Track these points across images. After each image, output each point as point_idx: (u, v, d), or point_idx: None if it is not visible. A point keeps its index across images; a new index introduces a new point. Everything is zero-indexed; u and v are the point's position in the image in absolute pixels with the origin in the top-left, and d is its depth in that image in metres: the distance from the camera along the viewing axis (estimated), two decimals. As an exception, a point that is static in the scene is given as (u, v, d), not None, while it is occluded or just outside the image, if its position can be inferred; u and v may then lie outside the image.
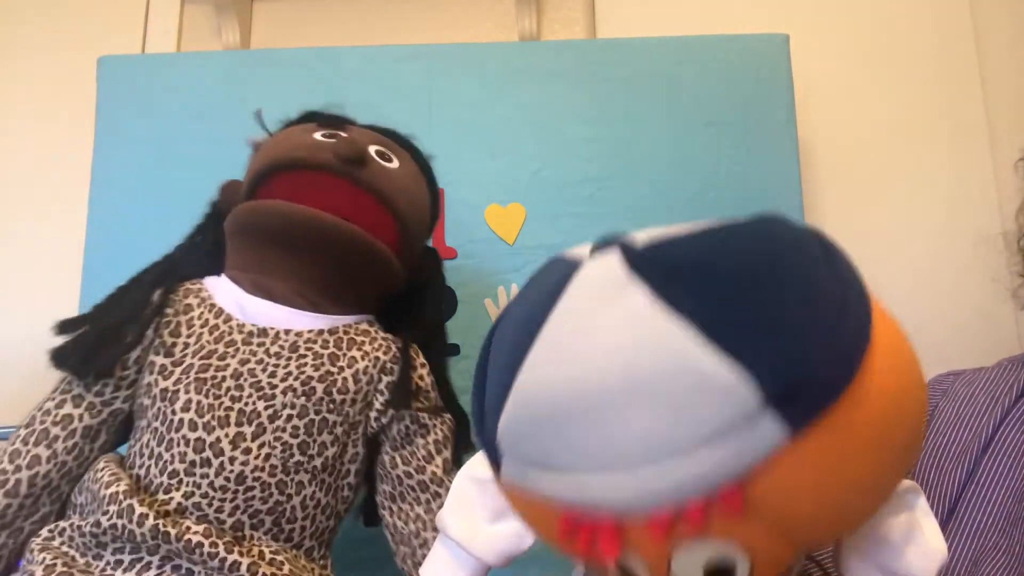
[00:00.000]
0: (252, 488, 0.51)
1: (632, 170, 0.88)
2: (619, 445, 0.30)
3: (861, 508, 0.34)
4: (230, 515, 0.51)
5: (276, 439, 0.53)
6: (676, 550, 0.31)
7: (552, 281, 0.34)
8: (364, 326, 0.60)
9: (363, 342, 0.58)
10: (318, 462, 0.54)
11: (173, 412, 0.52)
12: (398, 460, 0.59)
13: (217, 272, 0.61)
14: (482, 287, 0.86)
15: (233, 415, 0.52)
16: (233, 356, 0.54)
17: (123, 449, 0.58)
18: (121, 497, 0.49)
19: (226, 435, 0.52)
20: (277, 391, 0.53)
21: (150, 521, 0.48)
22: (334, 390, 0.55)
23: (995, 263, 0.74)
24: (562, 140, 0.89)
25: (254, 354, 0.55)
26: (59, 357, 0.54)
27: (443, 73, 0.92)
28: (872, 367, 0.31)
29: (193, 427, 0.52)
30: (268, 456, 0.52)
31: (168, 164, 0.90)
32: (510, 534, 0.45)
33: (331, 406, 0.55)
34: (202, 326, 0.56)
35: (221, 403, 0.52)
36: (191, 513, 0.50)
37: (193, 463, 0.51)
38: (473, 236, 0.87)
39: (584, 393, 0.31)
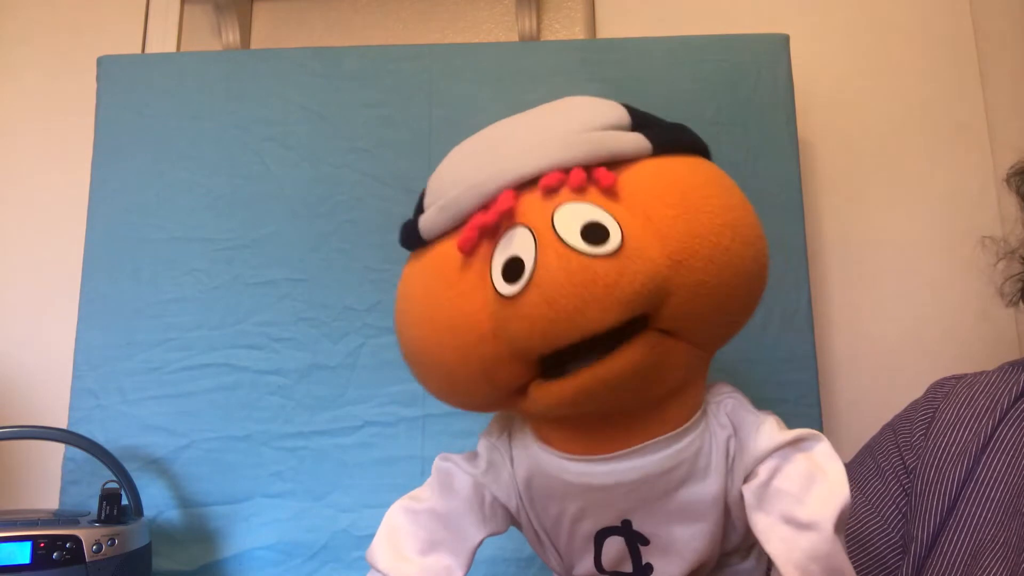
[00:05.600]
0: None
1: (632, 170, 0.88)
2: (531, 131, 0.41)
3: (707, 229, 0.39)
4: None
5: None
6: (559, 210, 0.37)
7: None
8: None
9: None
10: None
11: None
12: None
13: None
14: (482, 287, 0.86)
15: None
16: None
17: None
18: None
19: None
20: None
21: None
22: None
23: (995, 264, 0.74)
24: (562, 140, 0.89)
25: None
26: None
27: (443, 73, 0.92)
28: (710, 166, 0.44)
29: None
30: None
31: (168, 164, 0.90)
32: (439, 568, 0.45)
33: None
34: None
35: None
36: None
37: None
38: (473, 236, 0.87)
39: (512, 117, 0.43)
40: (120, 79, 0.93)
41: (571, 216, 0.36)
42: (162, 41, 1.07)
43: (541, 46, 0.98)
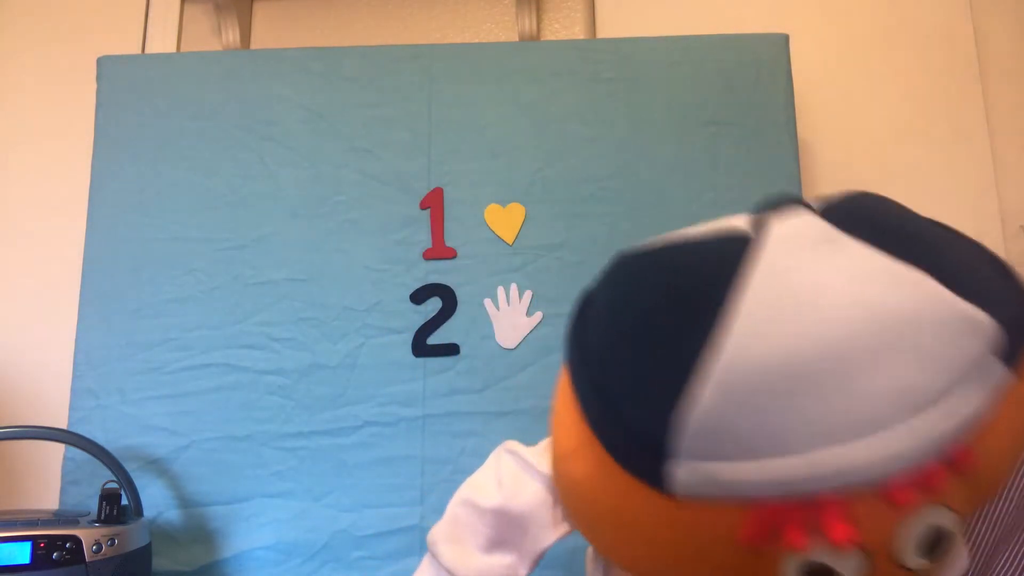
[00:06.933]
0: None
1: (632, 170, 0.88)
2: (864, 406, 0.26)
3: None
4: None
5: None
6: (905, 527, 0.27)
7: (710, 256, 0.30)
8: None
9: None
10: None
11: None
12: None
13: None
14: (482, 287, 0.86)
15: None
16: None
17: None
18: None
19: None
20: None
21: None
22: None
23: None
24: (562, 140, 0.89)
25: None
26: None
27: (443, 73, 0.92)
28: None
29: None
30: None
31: (168, 164, 0.90)
32: (503, 566, 0.44)
33: None
34: None
35: None
36: None
37: None
38: (473, 236, 0.87)
39: (826, 350, 0.27)
40: (120, 79, 0.93)
41: (914, 533, 0.28)
42: (162, 41, 1.07)
43: (541, 46, 0.98)
